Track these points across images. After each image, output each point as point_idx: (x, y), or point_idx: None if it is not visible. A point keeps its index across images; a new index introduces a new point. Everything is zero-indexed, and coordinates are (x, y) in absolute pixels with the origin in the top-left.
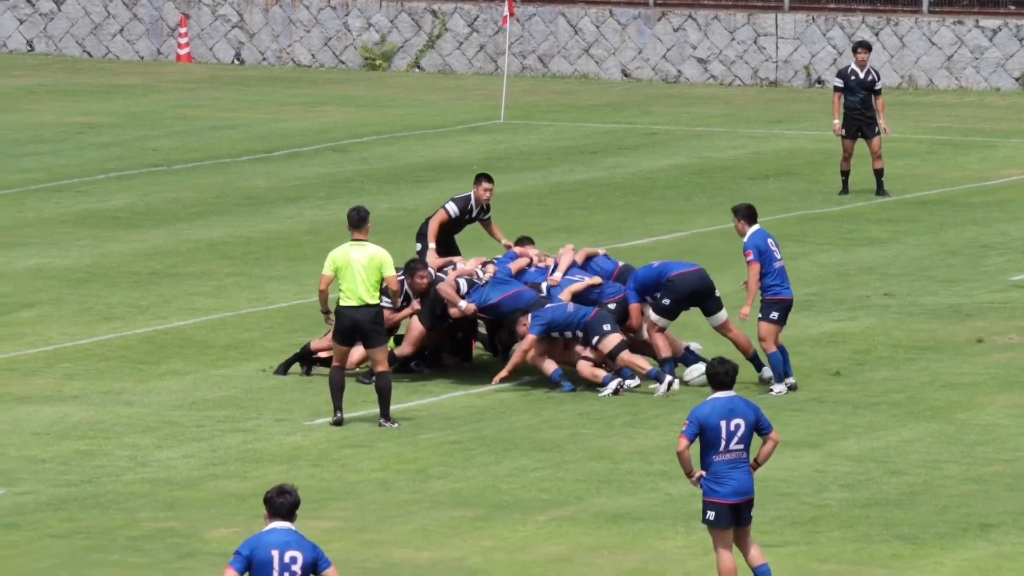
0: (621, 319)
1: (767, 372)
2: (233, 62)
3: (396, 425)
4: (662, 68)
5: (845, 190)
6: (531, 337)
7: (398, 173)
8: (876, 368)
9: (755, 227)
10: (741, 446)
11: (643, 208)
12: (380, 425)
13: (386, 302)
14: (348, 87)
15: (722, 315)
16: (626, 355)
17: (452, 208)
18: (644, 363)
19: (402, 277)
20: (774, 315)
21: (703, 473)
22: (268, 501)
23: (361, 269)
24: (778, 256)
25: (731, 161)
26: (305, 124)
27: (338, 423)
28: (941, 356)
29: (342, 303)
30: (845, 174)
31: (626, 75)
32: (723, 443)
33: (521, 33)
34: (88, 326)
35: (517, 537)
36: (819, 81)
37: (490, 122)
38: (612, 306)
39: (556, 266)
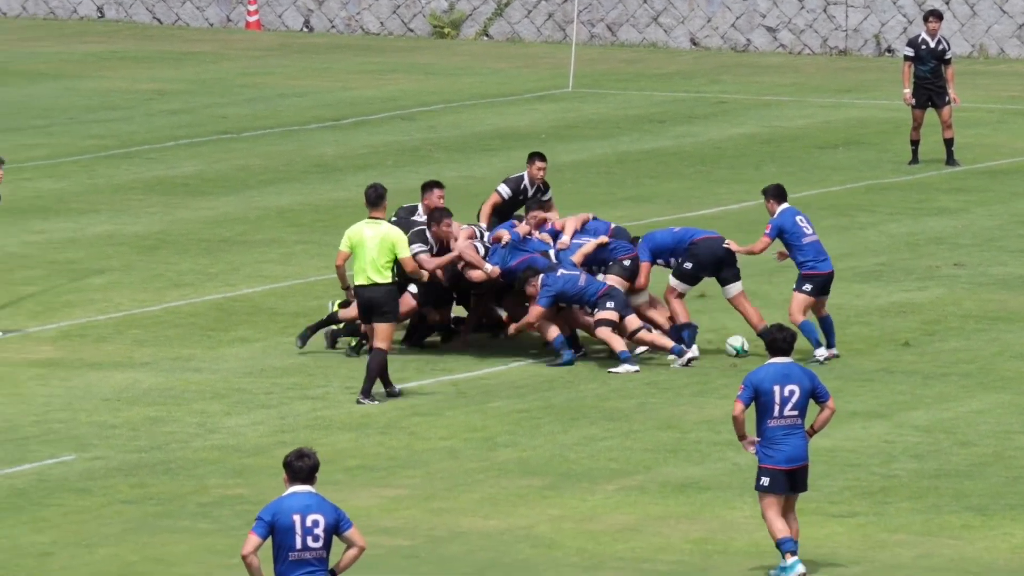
0: (631, 276)
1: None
2: (302, 29)
3: (376, 403)
4: (731, 37)
5: (915, 159)
6: (538, 310)
7: (466, 141)
8: (946, 339)
9: (784, 205)
10: (796, 412)
11: (711, 177)
12: (359, 403)
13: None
14: (416, 55)
15: (737, 286)
16: (615, 335)
17: (504, 190)
18: (663, 340)
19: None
20: (807, 287)
21: (756, 440)
22: (288, 465)
23: (373, 247)
24: (809, 231)
25: (800, 130)
26: (373, 92)
27: (394, 395)
28: (1011, 327)
29: (356, 281)
30: (915, 143)
31: (695, 44)
32: (777, 408)
33: (590, 1)
34: (158, 293)
35: (585, 506)
36: (889, 50)
37: (558, 91)
38: (627, 263)
39: (560, 232)
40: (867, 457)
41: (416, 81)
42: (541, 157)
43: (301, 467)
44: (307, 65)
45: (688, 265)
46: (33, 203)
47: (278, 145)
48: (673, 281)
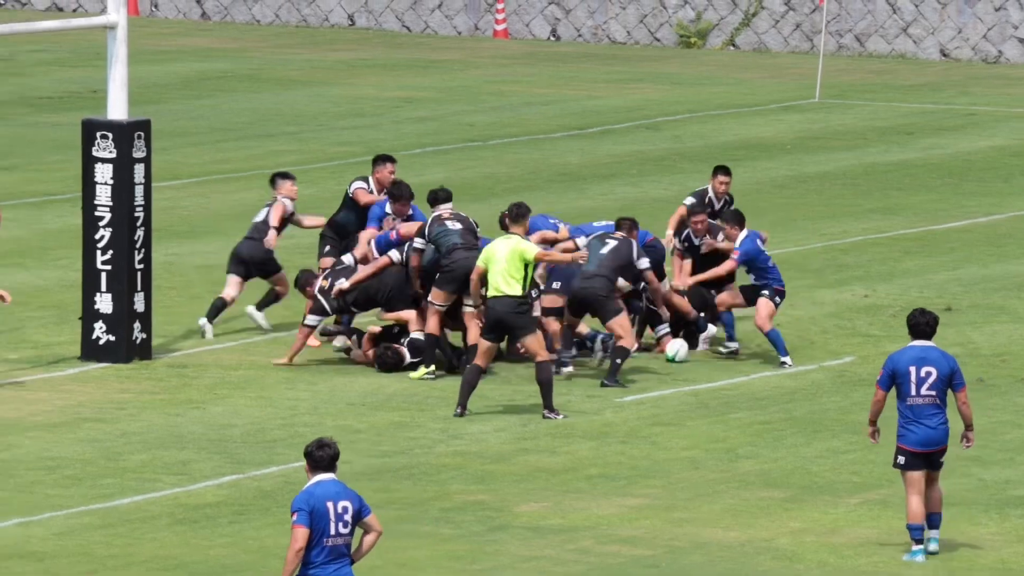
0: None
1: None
2: (549, 38)
3: (561, 416)
4: (982, 48)
5: None
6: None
7: (711, 152)
8: None
9: (745, 231)
10: (933, 393)
11: (960, 190)
12: (544, 417)
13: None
14: (662, 64)
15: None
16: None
17: (689, 201)
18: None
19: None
20: (778, 299)
21: (878, 430)
22: (308, 455)
23: (502, 259)
24: (768, 254)
25: None
26: (619, 101)
27: (460, 416)
28: None
29: (488, 295)
30: None
31: (945, 55)
32: (913, 388)
33: (838, 11)
34: None
35: (827, 519)
36: None
37: (805, 101)
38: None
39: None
40: None
41: (661, 91)
42: (724, 171)
43: (322, 456)
44: (553, 74)
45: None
46: None
47: (523, 153)
48: (667, 286)
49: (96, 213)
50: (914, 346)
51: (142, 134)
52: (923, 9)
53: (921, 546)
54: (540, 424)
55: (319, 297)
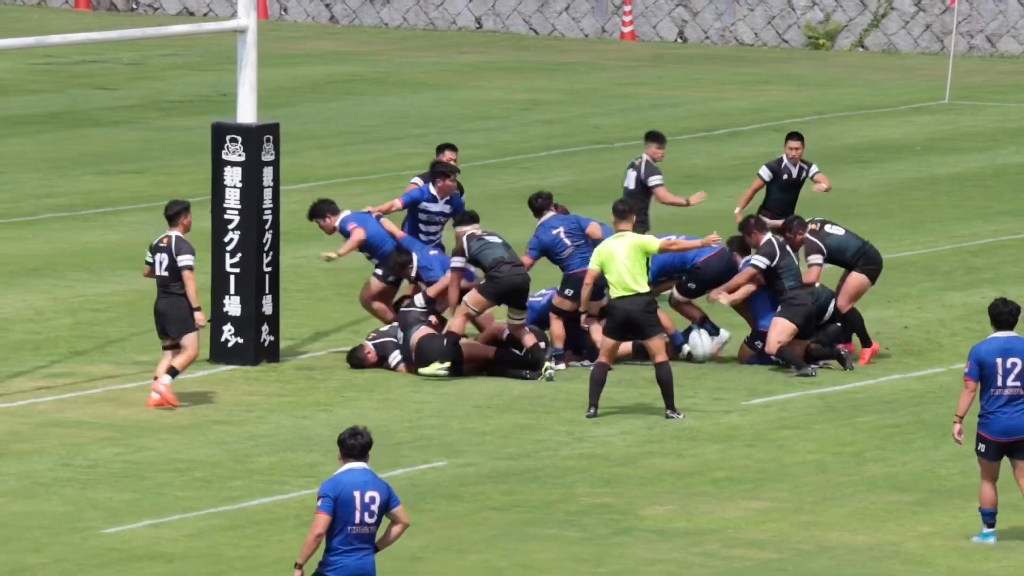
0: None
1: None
2: (676, 40)
3: (681, 416)
4: None
5: None
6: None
7: (838, 153)
8: None
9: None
10: (1018, 383)
11: None
12: (667, 417)
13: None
14: (790, 66)
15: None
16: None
17: (764, 172)
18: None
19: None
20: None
21: (961, 428)
22: (341, 443)
23: (624, 257)
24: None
25: None
26: (746, 103)
27: (592, 417)
28: None
29: (613, 295)
30: None
31: None
32: (999, 379)
33: (969, 12)
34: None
35: (956, 523)
36: None
37: (935, 103)
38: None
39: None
40: None
41: (789, 92)
42: (795, 136)
43: (354, 444)
44: (680, 75)
45: (692, 285)
46: None
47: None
48: (677, 295)
49: (225, 216)
50: (998, 337)
51: (271, 137)
52: None
53: (993, 529)
54: (665, 427)
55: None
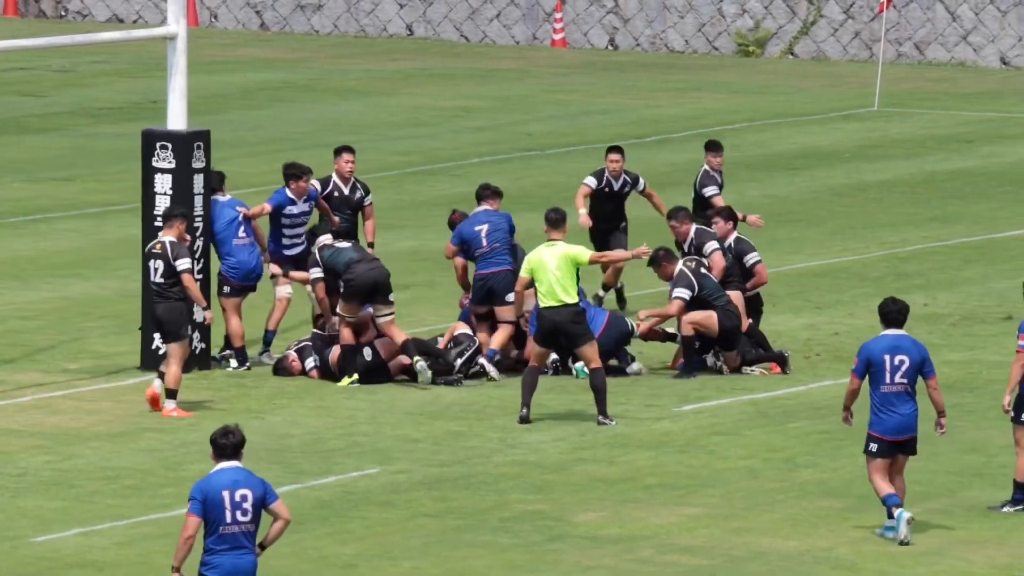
0: None
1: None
2: (607, 47)
3: (614, 423)
4: None
5: None
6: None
7: (770, 160)
8: None
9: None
10: (905, 381)
11: (1020, 198)
12: (599, 423)
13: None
14: (721, 73)
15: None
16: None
17: (590, 181)
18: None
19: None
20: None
21: (851, 413)
22: (213, 442)
23: (554, 268)
24: None
25: None
26: (677, 110)
27: (523, 420)
28: None
29: (541, 304)
30: None
31: (1005, 63)
32: (887, 375)
33: (897, 20)
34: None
35: None
36: None
37: (864, 109)
38: None
39: None
40: None
41: (720, 99)
42: (615, 150)
43: (226, 444)
44: (611, 83)
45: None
46: None
47: (582, 163)
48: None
49: (156, 223)
50: (887, 335)
51: (201, 144)
52: (983, 17)
53: (901, 509)
54: (598, 433)
55: None
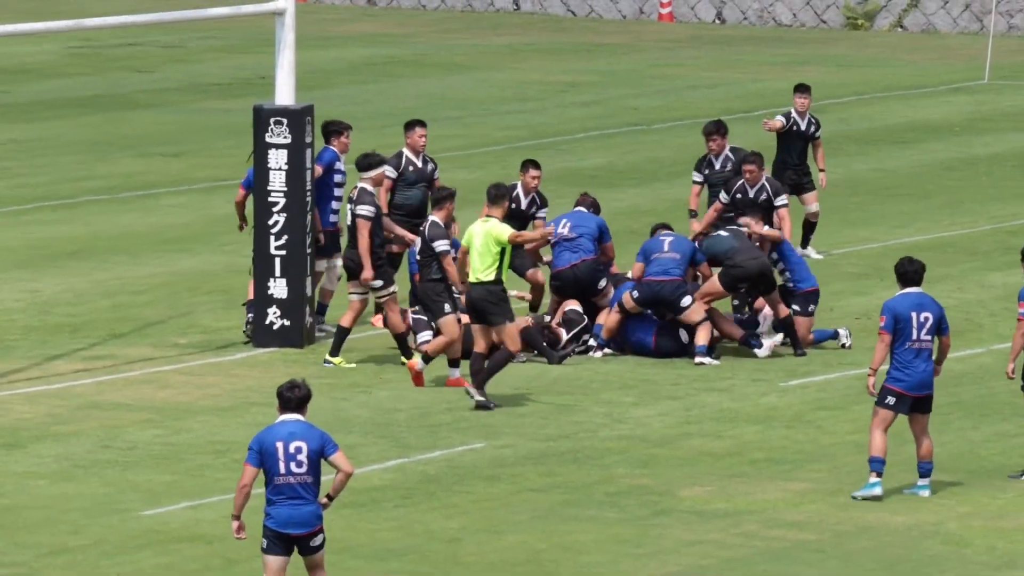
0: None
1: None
2: (714, 21)
3: (484, 402)
4: None
5: None
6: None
7: (877, 134)
8: None
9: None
10: (929, 337)
11: None
12: (467, 393)
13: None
14: (829, 47)
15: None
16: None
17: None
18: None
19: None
20: (811, 308)
21: (875, 381)
22: (279, 395)
23: (479, 244)
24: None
25: None
26: (784, 84)
27: (482, 406)
28: None
29: (469, 279)
30: None
31: None
32: (914, 332)
33: None
34: None
35: (996, 504)
36: None
37: (974, 82)
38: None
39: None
40: None
41: (828, 73)
42: (535, 165)
43: (291, 397)
44: (718, 57)
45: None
46: None
47: (688, 137)
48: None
49: (270, 199)
50: (910, 293)
51: (311, 119)
52: None
53: (880, 479)
54: (704, 408)
55: None
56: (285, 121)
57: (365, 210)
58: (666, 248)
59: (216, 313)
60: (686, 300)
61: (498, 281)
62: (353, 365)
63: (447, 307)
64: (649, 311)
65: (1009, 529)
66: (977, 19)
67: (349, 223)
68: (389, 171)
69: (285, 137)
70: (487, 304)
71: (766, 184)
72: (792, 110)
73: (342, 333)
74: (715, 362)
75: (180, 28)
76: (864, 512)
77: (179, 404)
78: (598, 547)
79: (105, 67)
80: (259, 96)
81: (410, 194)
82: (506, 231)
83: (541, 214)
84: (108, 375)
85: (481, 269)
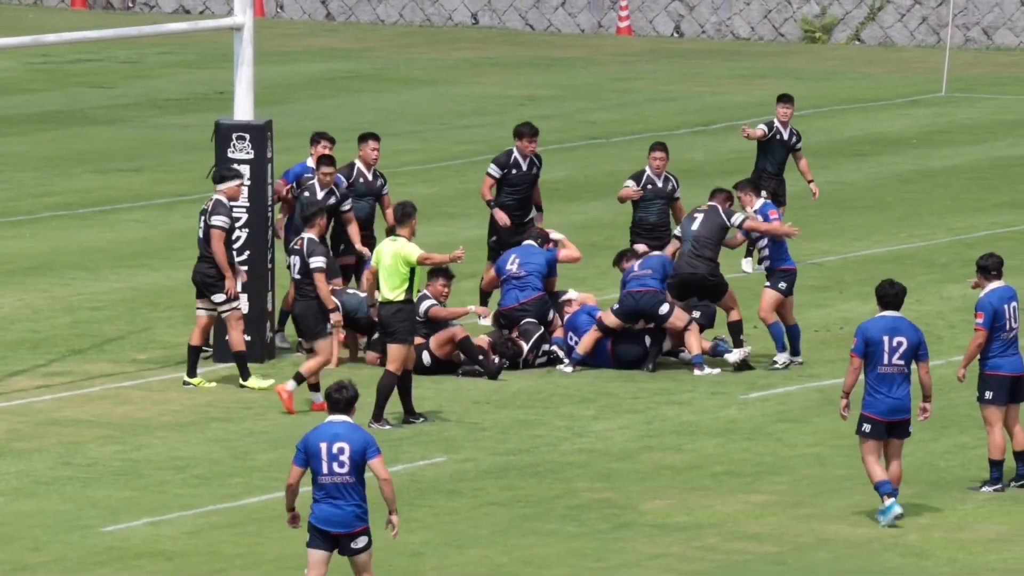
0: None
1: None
2: (672, 35)
3: (387, 427)
4: None
5: None
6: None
7: (835, 147)
8: None
9: (760, 200)
10: (902, 362)
11: None
12: (369, 425)
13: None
14: (786, 60)
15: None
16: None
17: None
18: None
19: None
20: (782, 285)
21: (847, 404)
22: (327, 396)
23: (386, 264)
24: None
25: None
26: (743, 97)
27: (381, 425)
28: None
29: (379, 298)
30: None
31: None
32: (885, 356)
33: (965, 5)
34: None
35: (956, 516)
36: None
37: (931, 95)
38: None
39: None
40: None
41: (786, 86)
42: (375, 137)
43: (339, 399)
44: (677, 70)
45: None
46: None
47: (646, 150)
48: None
49: (233, 214)
50: (885, 316)
51: (270, 134)
52: None
53: (894, 499)
54: (665, 421)
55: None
56: (248, 136)
57: (220, 221)
58: (637, 269)
59: (175, 328)
60: (664, 308)
61: (408, 301)
62: (213, 385)
63: (327, 327)
64: (631, 325)
65: (969, 541)
66: (934, 32)
67: (202, 235)
68: (340, 180)
69: (248, 152)
70: (391, 322)
71: (670, 176)
72: (775, 119)
73: (193, 352)
74: (714, 372)
75: (138, 44)
76: (824, 524)
77: (139, 420)
78: (559, 561)
79: (63, 83)
80: (217, 112)
81: (358, 206)
82: (415, 251)
83: (386, 190)
84: (68, 391)
85: (390, 289)
